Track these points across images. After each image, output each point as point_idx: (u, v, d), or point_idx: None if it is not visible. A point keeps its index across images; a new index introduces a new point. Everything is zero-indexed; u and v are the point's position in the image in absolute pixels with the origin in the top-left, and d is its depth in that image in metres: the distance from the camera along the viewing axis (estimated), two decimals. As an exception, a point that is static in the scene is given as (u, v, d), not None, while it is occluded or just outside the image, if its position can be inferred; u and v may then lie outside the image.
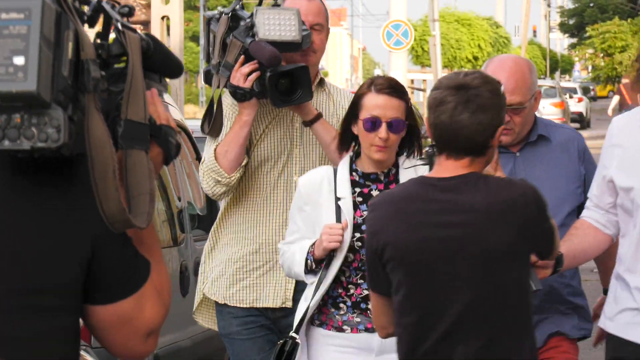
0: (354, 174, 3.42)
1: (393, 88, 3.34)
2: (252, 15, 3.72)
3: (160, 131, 1.68)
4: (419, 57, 38.88)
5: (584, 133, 34.23)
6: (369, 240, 2.66)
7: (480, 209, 2.58)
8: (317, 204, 3.42)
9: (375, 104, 3.30)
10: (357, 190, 3.40)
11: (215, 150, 3.75)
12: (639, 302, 3.06)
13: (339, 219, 3.37)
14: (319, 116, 3.72)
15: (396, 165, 3.44)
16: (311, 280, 3.40)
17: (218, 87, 3.81)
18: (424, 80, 40.60)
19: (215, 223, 3.97)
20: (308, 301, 3.42)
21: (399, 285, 2.58)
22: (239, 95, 3.67)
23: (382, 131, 3.27)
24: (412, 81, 37.58)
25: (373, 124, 3.29)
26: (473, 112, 2.52)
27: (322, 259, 3.34)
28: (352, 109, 3.38)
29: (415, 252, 2.58)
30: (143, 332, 1.71)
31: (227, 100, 3.82)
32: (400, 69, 25.19)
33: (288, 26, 3.64)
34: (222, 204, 4.00)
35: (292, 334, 3.41)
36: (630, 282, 3.09)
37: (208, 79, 3.92)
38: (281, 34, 3.64)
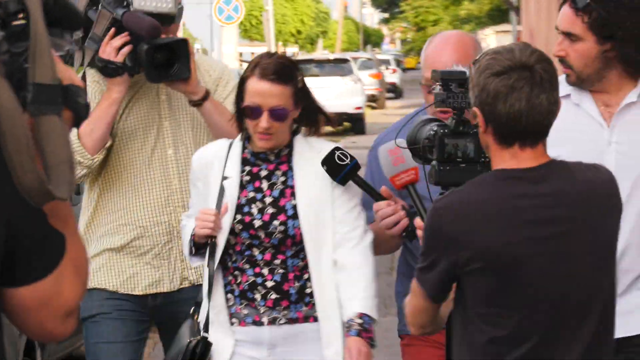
0: (246, 151, 3.27)
1: (277, 74, 3.14)
2: None
3: (68, 92, 1.51)
4: (247, 31, 40.68)
5: (398, 102, 37.24)
6: (445, 249, 2.37)
7: (582, 198, 2.41)
8: (207, 181, 3.27)
9: (256, 91, 3.13)
10: (247, 168, 3.25)
11: (78, 130, 3.44)
12: None
13: (221, 200, 3.23)
14: (207, 94, 3.52)
15: (290, 145, 3.26)
16: (195, 264, 3.34)
17: (82, 64, 3.59)
18: (252, 54, 42.43)
19: (86, 216, 3.68)
20: (206, 294, 3.25)
21: (485, 294, 2.37)
22: (110, 70, 3.47)
23: (264, 120, 3.11)
24: (241, 54, 39.22)
25: (254, 112, 3.13)
26: (548, 92, 2.34)
27: (204, 244, 3.21)
28: (238, 91, 3.22)
29: (516, 256, 2.35)
30: (62, 312, 1.58)
31: (90, 78, 3.63)
32: (232, 43, 26.83)
33: None
34: (87, 195, 3.73)
35: (203, 333, 3.22)
36: None
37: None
38: (157, 5, 3.46)
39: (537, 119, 2.32)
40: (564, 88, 2.78)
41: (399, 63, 45.77)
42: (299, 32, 41.10)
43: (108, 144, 3.52)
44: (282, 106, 3.11)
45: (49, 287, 1.53)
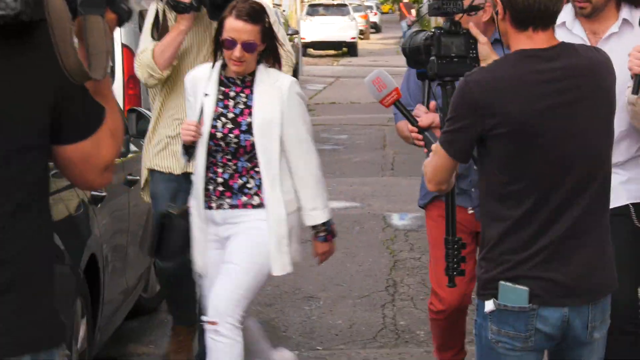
0: (222, 75, 3.91)
1: (249, 15, 3.75)
2: None
3: None
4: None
5: (378, 35, 48.10)
6: (474, 116, 2.61)
7: (588, 71, 2.69)
8: (196, 96, 3.92)
9: (232, 28, 3.73)
10: (222, 89, 3.89)
11: (153, 49, 4.31)
12: None
13: (202, 113, 3.86)
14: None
15: (253, 73, 3.87)
16: (185, 159, 4.00)
17: (162, 1, 4.31)
18: None
19: (154, 116, 4.56)
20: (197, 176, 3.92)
21: (506, 155, 2.63)
22: (180, 8, 4.21)
23: (237, 51, 3.73)
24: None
25: (230, 44, 3.74)
26: None
27: (191, 145, 3.86)
28: (218, 27, 3.83)
29: (538, 122, 2.61)
30: (100, 167, 1.93)
31: (169, 13, 4.36)
32: None
33: None
34: (154, 100, 4.57)
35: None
36: None
37: None
38: None
39: (548, 4, 2.59)
40: (560, 17, 2.89)
41: (378, 8, 57.09)
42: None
43: (175, 63, 4.36)
44: (252, 40, 3.75)
45: (90, 147, 1.88)
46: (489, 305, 2.67)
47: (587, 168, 2.67)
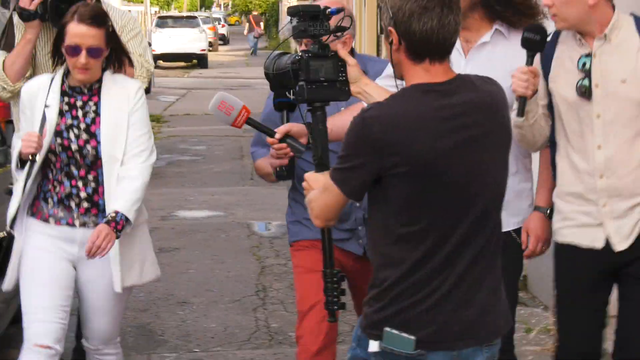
0: (64, 84, 3.66)
1: (93, 19, 3.53)
2: None
3: None
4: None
5: (226, 47, 48.28)
6: (374, 154, 2.46)
7: (486, 106, 2.56)
8: (34, 108, 3.65)
9: (76, 33, 3.50)
10: (66, 99, 3.65)
11: (4, 61, 4.10)
12: None
13: (43, 124, 3.58)
14: None
15: (100, 81, 3.66)
16: (19, 175, 3.61)
17: (14, 9, 4.16)
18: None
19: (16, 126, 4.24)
20: (19, 196, 3.62)
21: (405, 195, 2.48)
22: (25, 16, 4.03)
23: (82, 57, 3.51)
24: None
25: (74, 51, 3.51)
26: (455, 13, 2.50)
27: (27, 160, 3.53)
28: (59, 34, 3.58)
29: (439, 161, 2.46)
30: None
31: (16, 20, 4.19)
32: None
33: None
34: (14, 110, 4.31)
35: (7, 228, 3.63)
36: None
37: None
38: None
39: (446, 36, 2.46)
40: None
41: (225, 20, 57.36)
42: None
43: (28, 74, 4.12)
44: (97, 46, 3.53)
45: None
46: (374, 346, 2.57)
47: (486, 204, 2.57)
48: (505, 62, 3.41)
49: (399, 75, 2.62)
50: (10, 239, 3.64)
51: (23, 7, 4.02)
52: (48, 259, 3.64)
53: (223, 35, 49.44)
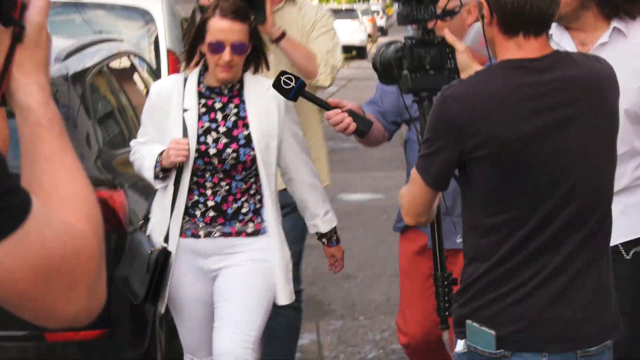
0: (201, 85, 3.45)
1: (236, 12, 3.34)
2: None
3: None
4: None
5: (384, 38, 48.46)
6: (453, 135, 2.26)
7: (587, 84, 2.32)
8: (166, 112, 3.44)
9: (219, 29, 3.32)
10: (202, 101, 3.44)
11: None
12: None
13: (185, 129, 3.38)
14: (282, 35, 3.87)
15: (241, 81, 3.46)
16: (159, 185, 3.45)
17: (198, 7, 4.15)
18: None
19: None
20: (168, 210, 3.42)
21: (490, 182, 2.28)
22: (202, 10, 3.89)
23: (226, 54, 3.31)
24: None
25: (217, 47, 3.32)
26: None
27: (169, 169, 3.37)
28: (199, 31, 3.39)
29: (525, 144, 2.25)
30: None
31: None
32: None
33: None
34: None
35: (162, 244, 3.41)
36: None
37: None
38: None
39: (541, 6, 2.22)
40: None
41: (384, 11, 57.82)
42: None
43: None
44: (241, 41, 3.34)
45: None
46: (460, 346, 2.37)
47: (586, 197, 2.31)
48: (631, 61, 3.07)
49: (492, 51, 2.41)
50: (166, 255, 3.39)
51: (202, 4, 3.99)
52: (188, 279, 3.49)
53: (381, 27, 50.10)
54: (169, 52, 6.91)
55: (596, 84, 2.37)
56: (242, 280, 3.45)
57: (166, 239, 3.43)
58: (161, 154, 3.38)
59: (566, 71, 2.33)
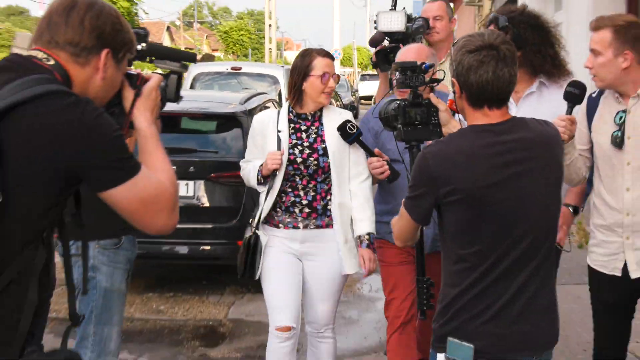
0: (290, 114, 4.17)
1: (329, 54, 4.14)
2: None
3: None
4: (343, 62, 59.44)
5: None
6: (431, 185, 2.64)
7: (538, 143, 2.66)
8: (264, 135, 4.16)
9: (324, 64, 4.07)
10: (292, 125, 4.16)
11: None
12: None
13: (279, 146, 4.08)
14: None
15: (321, 110, 4.18)
16: (262, 189, 4.18)
17: None
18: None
19: None
20: (261, 205, 4.19)
21: (460, 221, 2.65)
22: None
23: (332, 82, 4.05)
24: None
25: (325, 77, 4.05)
26: (509, 66, 2.63)
27: (267, 175, 4.09)
28: (304, 71, 4.09)
29: (488, 192, 2.59)
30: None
31: None
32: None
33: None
34: None
35: (253, 230, 4.23)
36: None
37: None
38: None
39: (501, 86, 2.61)
40: None
41: None
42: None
43: None
44: (337, 74, 4.12)
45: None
46: (440, 358, 2.74)
47: (538, 233, 2.67)
48: (550, 107, 3.74)
49: (464, 118, 2.81)
50: (256, 237, 4.22)
51: None
52: (281, 256, 4.23)
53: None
54: (286, 98, 9.50)
55: (546, 143, 2.72)
56: (327, 273, 4.26)
57: (257, 226, 4.24)
58: (262, 165, 4.13)
59: (522, 133, 2.68)
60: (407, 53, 4.13)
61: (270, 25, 41.01)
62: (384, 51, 4.98)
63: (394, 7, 5.03)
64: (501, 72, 2.63)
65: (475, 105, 2.70)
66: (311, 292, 4.30)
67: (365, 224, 4.16)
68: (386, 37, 5.05)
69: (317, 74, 4.10)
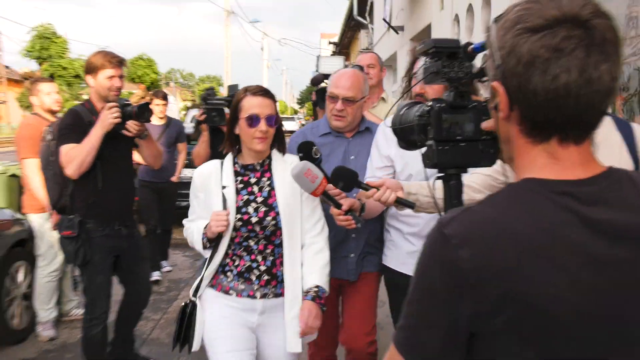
0: (236, 165, 3.68)
1: (263, 91, 3.59)
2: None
3: None
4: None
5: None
6: (460, 294, 1.37)
7: None
8: (208, 191, 3.66)
9: (253, 104, 3.53)
10: (239, 178, 3.67)
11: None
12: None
13: (225, 205, 3.58)
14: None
15: (269, 157, 3.68)
16: (208, 254, 3.68)
17: None
18: None
19: None
20: (203, 271, 3.70)
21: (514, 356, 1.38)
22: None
23: (262, 125, 3.52)
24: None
25: (254, 120, 3.51)
26: (611, 61, 1.36)
27: (214, 239, 3.60)
28: (233, 113, 3.59)
29: (573, 311, 1.35)
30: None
31: None
32: None
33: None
34: None
35: (191, 297, 3.71)
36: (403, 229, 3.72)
37: None
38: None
39: (594, 100, 1.35)
40: None
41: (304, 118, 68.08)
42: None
43: None
44: (273, 114, 3.56)
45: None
46: None
47: None
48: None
49: (507, 157, 1.54)
50: (193, 306, 3.73)
51: (198, 119, 5.56)
52: (231, 327, 3.62)
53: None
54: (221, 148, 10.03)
55: None
56: (280, 344, 3.70)
57: (195, 294, 3.71)
58: (206, 227, 3.59)
59: (628, 207, 1.41)
60: (340, 78, 3.98)
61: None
62: (323, 90, 5.40)
63: (316, 70, 5.85)
64: (595, 72, 1.36)
65: (537, 135, 1.44)
66: None
67: (315, 277, 3.59)
68: (325, 79, 5.61)
69: (243, 116, 3.54)
